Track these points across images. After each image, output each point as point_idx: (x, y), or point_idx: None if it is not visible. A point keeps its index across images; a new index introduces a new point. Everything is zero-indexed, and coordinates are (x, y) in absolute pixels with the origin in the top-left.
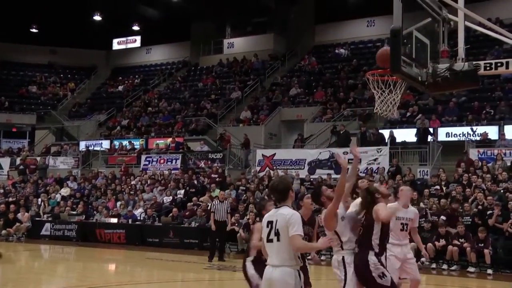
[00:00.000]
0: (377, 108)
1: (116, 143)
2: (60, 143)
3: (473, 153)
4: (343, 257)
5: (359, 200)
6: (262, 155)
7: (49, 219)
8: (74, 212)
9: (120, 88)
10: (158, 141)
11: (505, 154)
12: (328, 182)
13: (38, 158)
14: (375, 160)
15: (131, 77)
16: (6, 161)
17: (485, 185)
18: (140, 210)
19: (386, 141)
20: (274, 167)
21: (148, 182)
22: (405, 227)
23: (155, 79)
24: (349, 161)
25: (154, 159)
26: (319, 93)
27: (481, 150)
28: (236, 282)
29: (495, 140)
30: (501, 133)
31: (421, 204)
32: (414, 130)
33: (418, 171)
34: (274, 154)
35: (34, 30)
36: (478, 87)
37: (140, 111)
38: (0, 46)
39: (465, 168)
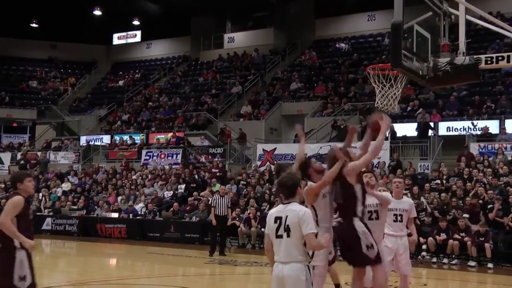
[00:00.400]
0: (378, 103)
1: (117, 138)
2: (61, 138)
3: (474, 148)
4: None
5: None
6: (263, 149)
7: (50, 213)
8: (75, 207)
9: (121, 83)
10: (158, 136)
11: (506, 148)
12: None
13: (39, 153)
14: None
15: (132, 72)
16: (7, 156)
17: (486, 179)
18: (141, 204)
19: (387, 135)
20: (275, 162)
21: (149, 177)
22: (398, 218)
23: (155, 74)
24: None
25: (155, 154)
26: (320, 87)
27: (482, 145)
28: (237, 277)
29: (496, 134)
30: (502, 127)
31: (422, 198)
32: (414, 125)
33: (418, 165)
34: (275, 148)
35: (34, 25)
36: (479, 81)
37: (140, 106)
38: (0, 41)
39: (466, 163)
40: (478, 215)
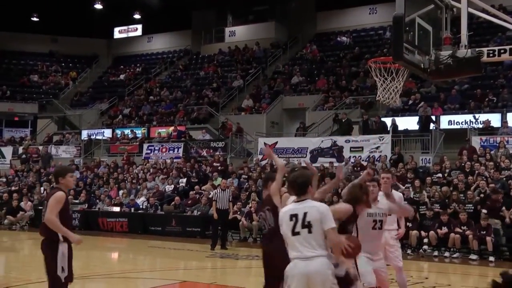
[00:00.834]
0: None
1: (118, 132)
2: (62, 132)
3: (476, 141)
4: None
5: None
6: (264, 143)
7: None
8: (77, 201)
9: (122, 77)
10: (160, 130)
11: (507, 141)
12: (330, 171)
13: (41, 147)
14: (377, 148)
15: (133, 66)
16: (8, 150)
17: (488, 173)
18: (143, 198)
19: (388, 129)
20: (277, 155)
21: (150, 171)
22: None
23: (156, 68)
24: (351, 149)
25: (156, 148)
26: (321, 81)
27: (484, 138)
28: (238, 270)
29: (497, 128)
30: (503, 120)
31: (424, 192)
32: (416, 118)
33: (420, 159)
34: (276, 142)
35: (34, 19)
36: (481, 75)
37: (141, 99)
38: (0, 35)
39: (468, 156)
40: (498, 211)
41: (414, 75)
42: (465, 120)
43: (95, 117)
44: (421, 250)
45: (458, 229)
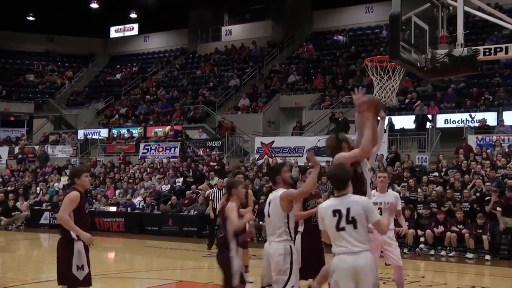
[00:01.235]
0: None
1: (115, 131)
2: (58, 132)
3: (472, 140)
4: (290, 246)
5: None
6: (261, 142)
7: (48, 207)
8: None
9: (118, 76)
10: (156, 129)
11: (503, 140)
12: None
13: (37, 147)
14: None
15: (129, 65)
16: (4, 150)
17: (484, 171)
18: (139, 198)
19: (385, 128)
20: (273, 155)
21: (147, 171)
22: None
23: (153, 67)
24: None
25: (153, 147)
26: (318, 80)
27: (480, 137)
28: None
29: (493, 127)
30: (499, 119)
31: (419, 190)
32: (412, 117)
33: (416, 157)
34: (273, 141)
35: (30, 18)
36: (477, 73)
37: (138, 99)
38: None
39: (464, 155)
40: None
41: (410, 74)
42: (461, 119)
43: (91, 117)
44: (417, 249)
45: (454, 228)
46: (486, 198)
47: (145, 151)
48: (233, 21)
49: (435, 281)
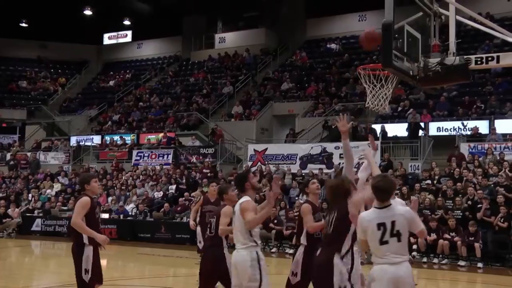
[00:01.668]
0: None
1: (107, 138)
2: (51, 139)
3: (464, 148)
4: (256, 252)
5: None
6: (254, 150)
7: (40, 214)
8: (65, 208)
9: (111, 83)
10: (149, 136)
11: (495, 148)
12: (320, 177)
13: (29, 154)
14: None
15: (122, 72)
16: None
17: (476, 179)
18: (132, 205)
19: (378, 135)
20: (266, 162)
21: (140, 178)
22: None
23: (146, 74)
24: (341, 155)
25: (146, 154)
26: (311, 87)
27: (472, 145)
28: None
29: (485, 135)
30: (491, 127)
31: (411, 198)
32: (405, 125)
33: (409, 165)
34: (266, 149)
35: (23, 25)
36: (469, 82)
37: (131, 106)
38: None
39: (457, 163)
40: None
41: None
42: (453, 127)
43: (84, 123)
44: (410, 257)
45: (446, 236)
46: (478, 206)
47: (138, 158)
48: (226, 28)
49: None
